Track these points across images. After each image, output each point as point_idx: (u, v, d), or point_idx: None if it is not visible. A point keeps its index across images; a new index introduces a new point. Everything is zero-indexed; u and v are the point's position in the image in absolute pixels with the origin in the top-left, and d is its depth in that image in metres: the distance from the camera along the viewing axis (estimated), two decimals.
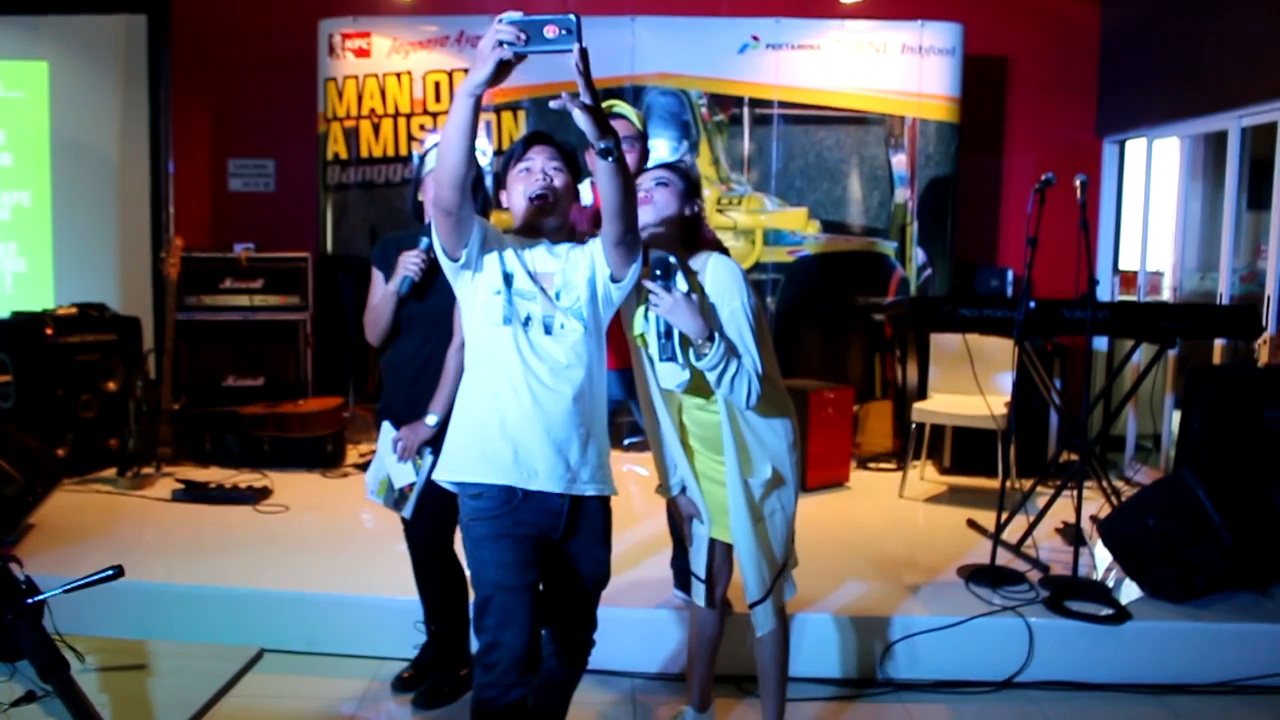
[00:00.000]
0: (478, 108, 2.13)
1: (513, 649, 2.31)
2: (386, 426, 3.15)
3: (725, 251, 3.04)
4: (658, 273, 2.45)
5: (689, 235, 2.67)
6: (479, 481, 2.36)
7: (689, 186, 2.67)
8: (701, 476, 2.77)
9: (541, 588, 2.46)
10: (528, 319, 2.36)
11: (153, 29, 6.68)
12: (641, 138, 3.43)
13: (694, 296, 2.48)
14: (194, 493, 4.98)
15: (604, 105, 3.38)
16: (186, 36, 6.70)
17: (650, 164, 3.33)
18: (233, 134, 6.85)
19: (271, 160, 6.84)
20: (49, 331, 5.36)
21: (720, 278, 2.58)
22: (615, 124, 3.31)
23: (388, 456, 3.10)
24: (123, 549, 4.19)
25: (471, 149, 2.19)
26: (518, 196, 2.45)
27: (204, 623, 3.66)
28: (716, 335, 2.48)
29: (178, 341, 5.54)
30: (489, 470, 2.36)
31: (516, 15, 1.97)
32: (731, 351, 2.50)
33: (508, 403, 2.35)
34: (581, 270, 2.42)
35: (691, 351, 2.51)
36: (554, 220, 2.46)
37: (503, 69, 2.04)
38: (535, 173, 2.43)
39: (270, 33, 6.68)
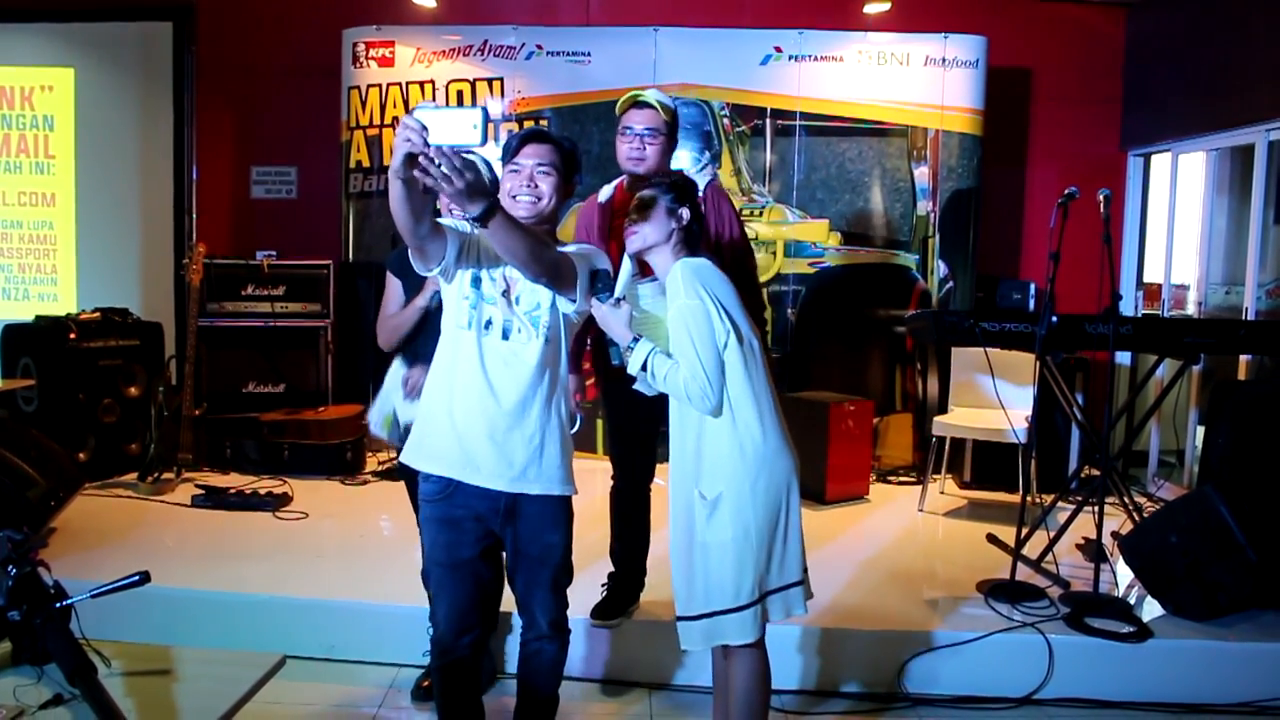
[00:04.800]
0: (410, 185, 2.17)
1: (446, 616, 2.60)
2: (397, 364, 3.29)
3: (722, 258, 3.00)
4: (599, 285, 2.56)
5: (686, 241, 2.66)
6: (427, 471, 2.57)
7: (675, 197, 2.65)
8: None
9: (505, 558, 2.66)
10: (488, 323, 2.51)
11: (178, 36, 6.76)
12: (669, 126, 3.38)
13: (623, 305, 2.56)
14: (214, 498, 5.01)
15: (630, 94, 3.39)
16: (211, 44, 6.77)
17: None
18: (256, 141, 6.90)
19: (294, 168, 6.88)
20: (72, 336, 5.40)
21: (671, 284, 2.58)
22: (640, 114, 3.35)
23: (395, 393, 3.27)
24: (143, 554, 4.22)
25: (415, 212, 2.24)
26: (505, 194, 2.57)
27: (223, 628, 3.67)
28: (639, 341, 2.54)
29: (199, 347, 5.57)
30: (435, 462, 2.55)
31: (429, 106, 2.08)
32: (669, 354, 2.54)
33: (458, 401, 2.51)
34: None
35: (625, 357, 2.58)
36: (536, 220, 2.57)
37: (411, 160, 2.10)
38: (523, 175, 2.55)
39: (294, 41, 6.73)
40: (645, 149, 3.33)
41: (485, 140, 2.07)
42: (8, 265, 6.85)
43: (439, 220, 2.42)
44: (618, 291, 2.62)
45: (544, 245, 2.39)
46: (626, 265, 2.81)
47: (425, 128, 2.07)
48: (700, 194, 3.45)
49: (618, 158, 3.41)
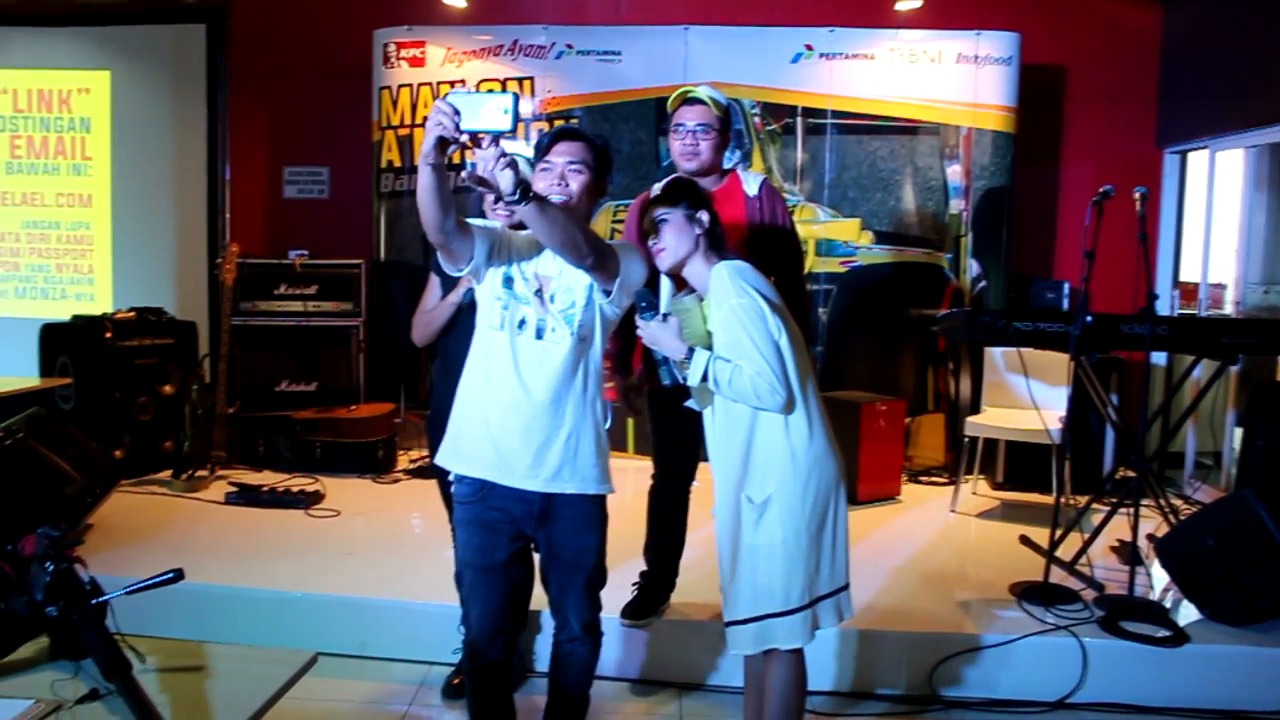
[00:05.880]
0: (439, 172, 2.21)
1: (479, 620, 2.59)
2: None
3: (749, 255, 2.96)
4: (643, 305, 2.53)
5: (712, 245, 2.63)
6: (461, 473, 2.57)
7: (688, 204, 2.61)
8: None
9: (538, 561, 2.66)
10: (521, 322, 2.49)
11: (211, 38, 6.83)
12: (721, 122, 3.37)
13: (671, 319, 2.51)
14: (247, 496, 5.05)
15: (682, 89, 3.38)
16: (244, 46, 6.83)
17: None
18: (288, 142, 6.95)
19: (326, 168, 6.92)
20: (108, 335, 5.47)
21: (716, 287, 2.53)
22: (692, 110, 3.33)
23: None
24: (178, 550, 4.26)
25: (443, 203, 2.26)
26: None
27: (256, 625, 3.70)
28: (695, 351, 2.48)
29: (233, 346, 5.62)
30: (470, 464, 2.55)
31: (462, 92, 2.11)
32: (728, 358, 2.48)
33: (493, 403, 2.49)
34: (581, 276, 2.48)
35: (681, 371, 2.52)
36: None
37: (443, 144, 2.14)
38: (554, 173, 2.52)
39: (326, 42, 6.77)
40: (699, 144, 3.33)
41: (516, 125, 2.08)
42: (46, 265, 6.95)
43: (468, 220, 2.42)
44: (663, 308, 2.58)
45: (587, 230, 2.39)
46: (666, 282, 2.78)
47: (458, 112, 2.09)
48: (756, 193, 3.45)
49: (671, 154, 3.42)
